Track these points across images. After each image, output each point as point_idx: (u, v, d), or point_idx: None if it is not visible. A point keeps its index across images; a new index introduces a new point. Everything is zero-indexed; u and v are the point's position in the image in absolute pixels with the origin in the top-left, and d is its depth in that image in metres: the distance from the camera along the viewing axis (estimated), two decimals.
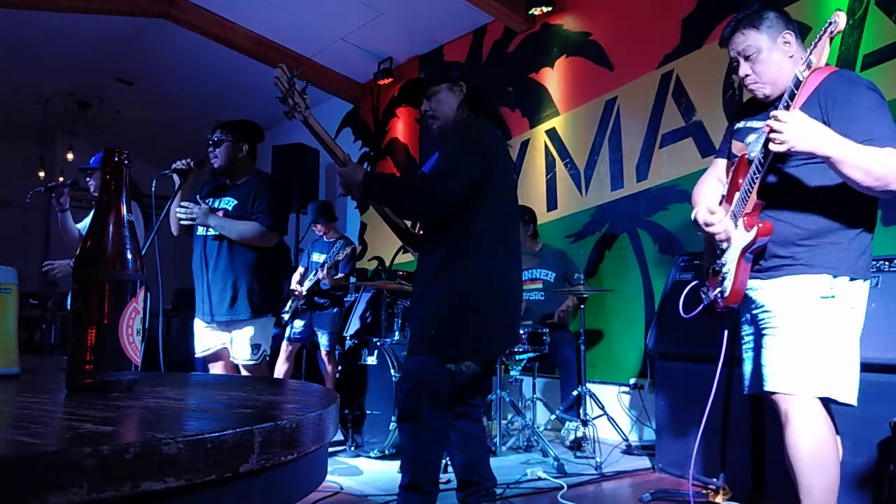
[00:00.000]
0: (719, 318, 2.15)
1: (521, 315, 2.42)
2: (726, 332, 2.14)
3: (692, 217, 2.08)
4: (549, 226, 4.90)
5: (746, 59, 1.96)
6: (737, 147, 2.10)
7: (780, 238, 1.91)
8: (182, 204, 2.87)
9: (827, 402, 1.87)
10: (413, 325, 2.27)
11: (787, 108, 1.77)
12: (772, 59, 1.94)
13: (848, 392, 1.85)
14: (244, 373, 2.96)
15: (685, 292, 2.28)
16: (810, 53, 1.70)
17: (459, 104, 2.31)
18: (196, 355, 3.06)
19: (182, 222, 2.89)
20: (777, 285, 1.93)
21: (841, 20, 1.63)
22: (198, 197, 2.98)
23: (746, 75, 1.98)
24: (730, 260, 1.99)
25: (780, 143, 1.72)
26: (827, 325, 1.85)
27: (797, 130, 1.70)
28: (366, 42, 6.22)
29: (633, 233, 4.46)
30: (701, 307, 2.17)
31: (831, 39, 1.68)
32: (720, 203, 2.06)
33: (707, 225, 2.00)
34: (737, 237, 1.96)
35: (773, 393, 1.89)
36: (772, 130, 1.73)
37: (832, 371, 1.83)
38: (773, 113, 1.77)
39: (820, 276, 1.86)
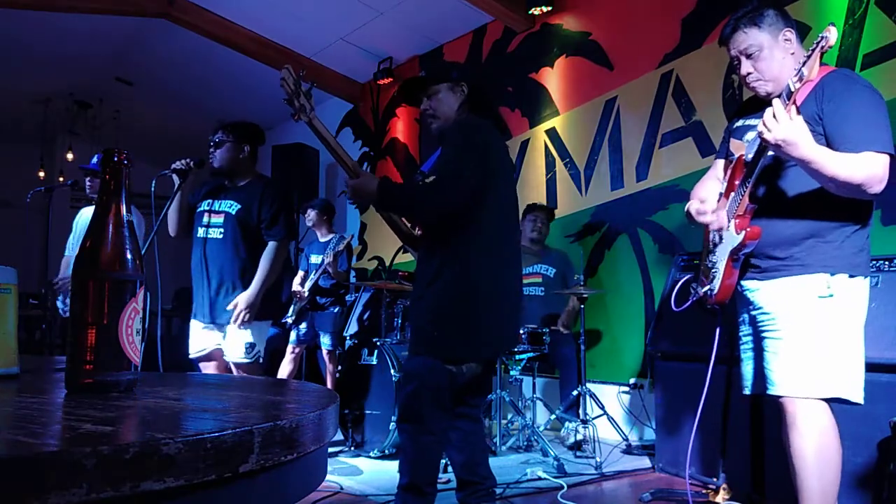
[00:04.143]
0: (711, 314, 2.16)
1: (521, 315, 2.42)
2: (718, 331, 2.14)
3: (685, 209, 2.09)
4: (549, 225, 4.89)
5: (748, 57, 1.96)
6: (735, 145, 2.10)
7: (777, 239, 1.91)
8: (228, 311, 2.86)
9: (830, 403, 1.87)
10: (414, 326, 2.25)
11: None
12: (773, 56, 1.94)
13: (855, 391, 1.85)
14: (237, 372, 2.94)
15: (677, 287, 2.30)
16: (802, 66, 1.69)
17: (460, 105, 2.29)
18: (190, 356, 3.04)
19: (238, 324, 2.86)
20: (775, 287, 1.93)
21: (832, 35, 1.62)
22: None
23: (748, 73, 1.97)
24: (720, 259, 2.00)
25: (769, 132, 1.71)
26: (828, 326, 1.85)
27: (786, 131, 1.70)
28: (366, 42, 6.22)
29: (633, 233, 4.46)
30: (689, 302, 2.19)
31: (822, 54, 1.68)
32: (718, 200, 2.07)
33: (699, 214, 2.01)
34: (727, 237, 1.97)
35: (780, 397, 1.89)
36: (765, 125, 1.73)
37: (838, 372, 1.83)
38: (774, 101, 1.75)
39: (817, 275, 1.86)
